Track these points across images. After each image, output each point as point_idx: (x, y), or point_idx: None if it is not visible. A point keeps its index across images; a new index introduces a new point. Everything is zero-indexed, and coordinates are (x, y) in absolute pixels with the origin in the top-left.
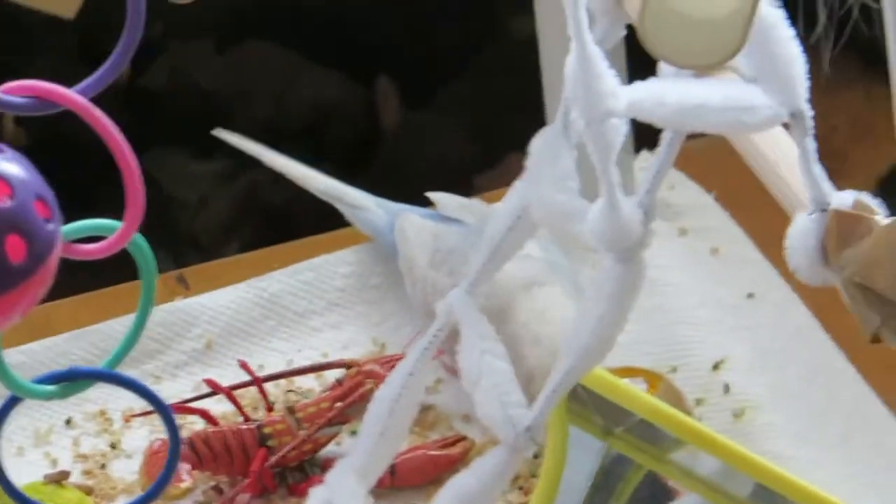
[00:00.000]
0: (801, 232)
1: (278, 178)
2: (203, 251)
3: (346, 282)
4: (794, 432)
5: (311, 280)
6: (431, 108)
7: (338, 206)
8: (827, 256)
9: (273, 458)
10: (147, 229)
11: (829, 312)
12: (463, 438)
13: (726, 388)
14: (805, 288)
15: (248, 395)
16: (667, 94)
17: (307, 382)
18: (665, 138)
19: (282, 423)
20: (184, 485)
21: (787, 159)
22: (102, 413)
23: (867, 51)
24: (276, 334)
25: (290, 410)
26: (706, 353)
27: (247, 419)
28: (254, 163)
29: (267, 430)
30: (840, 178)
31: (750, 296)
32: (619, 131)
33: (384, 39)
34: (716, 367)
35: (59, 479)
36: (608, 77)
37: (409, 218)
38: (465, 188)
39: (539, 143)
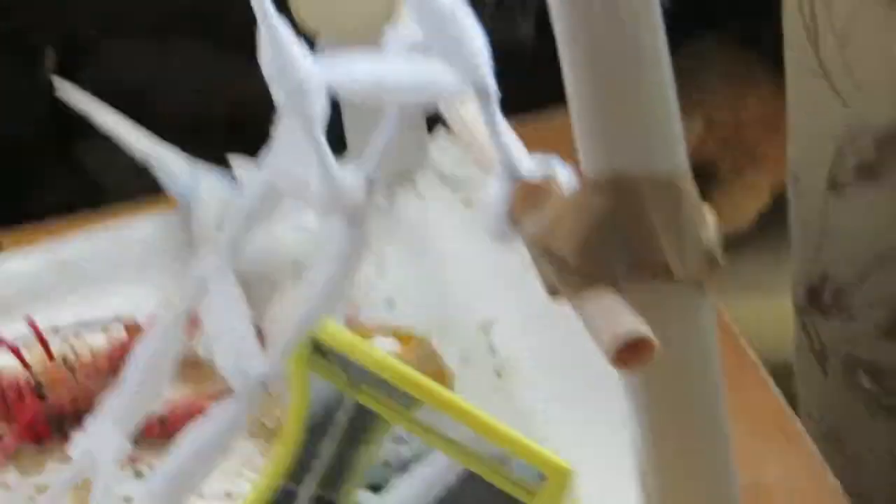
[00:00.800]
0: (493, 196)
1: None
2: None
3: (144, 247)
4: (549, 390)
5: (108, 245)
6: None
7: (153, 170)
8: (513, 219)
9: (45, 405)
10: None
11: None
12: None
13: (491, 349)
14: None
15: (39, 353)
16: (360, 70)
17: (98, 341)
18: (389, 114)
19: (57, 374)
20: None
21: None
22: None
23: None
24: (70, 297)
25: (66, 361)
26: (475, 315)
27: (27, 368)
28: None
29: (42, 380)
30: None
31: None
32: (319, 103)
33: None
34: (484, 328)
35: None
36: (299, 53)
37: (208, 182)
38: None
39: (282, 118)
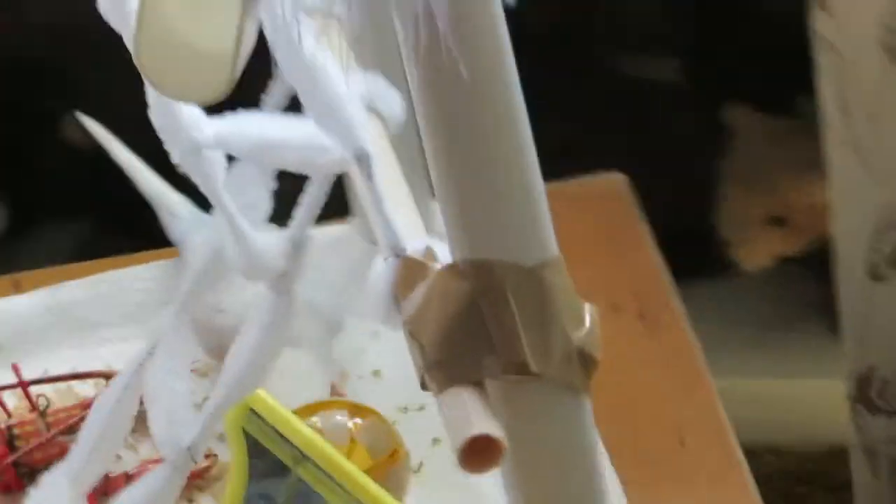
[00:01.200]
0: (376, 275)
1: None
2: None
3: (142, 297)
4: None
5: (106, 292)
6: None
7: (158, 212)
8: (397, 300)
9: (13, 456)
10: None
11: None
12: (207, 455)
13: None
14: None
15: (22, 402)
16: (250, 128)
17: (86, 390)
18: (314, 177)
19: (31, 425)
20: None
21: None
22: None
23: None
24: (65, 342)
25: (42, 414)
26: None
27: (7, 415)
28: None
29: (16, 431)
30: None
31: None
32: (216, 161)
33: None
34: None
35: None
36: (190, 110)
37: (208, 230)
38: None
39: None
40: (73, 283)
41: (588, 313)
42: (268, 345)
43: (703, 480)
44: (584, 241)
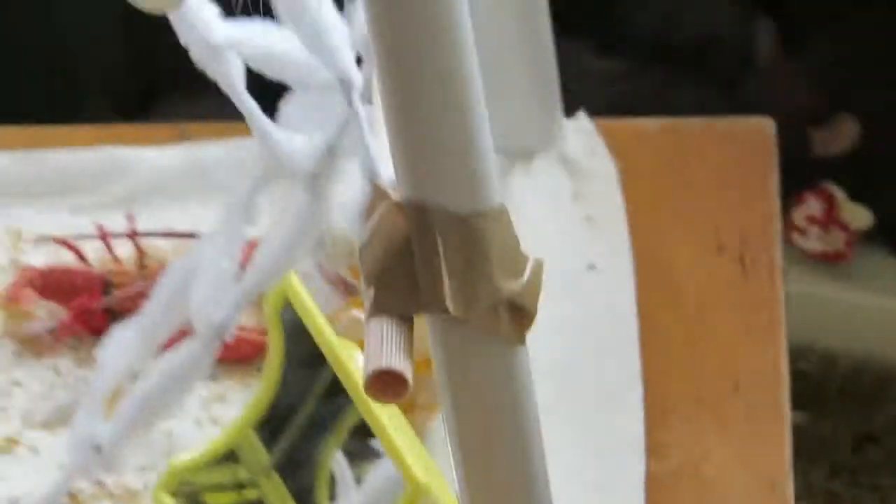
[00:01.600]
0: (354, 200)
1: None
2: None
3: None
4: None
5: (244, 158)
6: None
7: None
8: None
9: (103, 302)
10: None
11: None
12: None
13: None
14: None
15: (152, 247)
16: (257, 37)
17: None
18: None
19: (127, 275)
20: (25, 307)
21: None
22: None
23: None
24: (194, 200)
25: (141, 265)
26: None
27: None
28: None
29: (113, 279)
30: None
31: (591, 267)
32: (233, 62)
33: None
34: None
35: None
36: (207, 11)
37: None
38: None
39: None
40: (215, 144)
41: (530, 267)
42: (298, 242)
43: (741, 427)
44: (715, 178)
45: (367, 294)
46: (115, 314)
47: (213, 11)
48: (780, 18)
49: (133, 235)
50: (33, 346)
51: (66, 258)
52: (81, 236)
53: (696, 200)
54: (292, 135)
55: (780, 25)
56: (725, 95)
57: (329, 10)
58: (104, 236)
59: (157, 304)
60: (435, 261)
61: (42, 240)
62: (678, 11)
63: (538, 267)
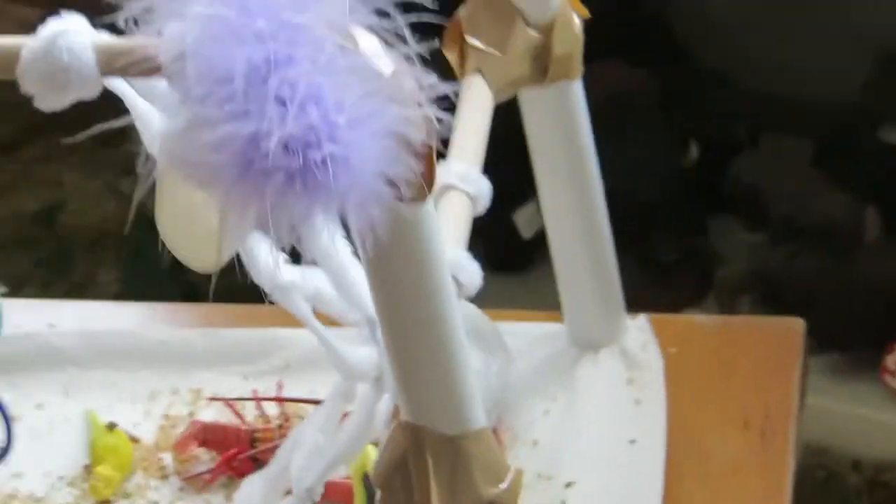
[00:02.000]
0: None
1: None
2: None
3: None
4: None
5: None
6: None
7: None
8: None
9: (249, 452)
10: None
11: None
12: None
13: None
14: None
15: (292, 408)
16: (313, 280)
17: None
18: None
19: (270, 433)
20: (189, 453)
21: None
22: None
23: None
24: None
25: (280, 426)
26: (562, 471)
27: (242, 422)
28: None
29: (258, 435)
30: None
31: (632, 441)
32: (296, 298)
33: None
34: (568, 485)
35: (111, 426)
36: (272, 257)
37: None
38: None
39: None
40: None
41: (510, 476)
42: (365, 424)
43: None
44: (749, 366)
45: (378, 495)
46: (259, 462)
47: (280, 257)
48: (885, 206)
49: (279, 399)
50: (194, 484)
51: (229, 414)
52: (241, 398)
53: (731, 384)
54: (358, 347)
55: (883, 212)
56: (842, 267)
57: (348, 257)
58: (257, 399)
59: (278, 461)
60: (426, 476)
61: (215, 399)
62: (804, 199)
63: (518, 476)
